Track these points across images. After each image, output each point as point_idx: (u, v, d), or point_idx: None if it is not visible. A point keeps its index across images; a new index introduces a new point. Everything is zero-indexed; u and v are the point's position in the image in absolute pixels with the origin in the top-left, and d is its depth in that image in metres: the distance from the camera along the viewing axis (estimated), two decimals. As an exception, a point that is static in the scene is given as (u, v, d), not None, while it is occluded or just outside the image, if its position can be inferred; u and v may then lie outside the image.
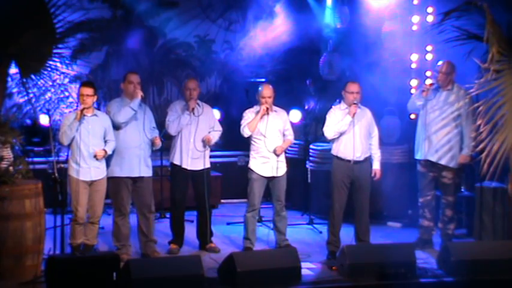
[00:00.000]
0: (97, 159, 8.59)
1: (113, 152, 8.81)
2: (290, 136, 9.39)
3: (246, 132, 9.18)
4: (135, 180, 8.92)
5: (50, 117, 8.87)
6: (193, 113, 9.21)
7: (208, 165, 9.38)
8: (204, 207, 9.32)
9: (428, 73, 10.61)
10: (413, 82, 10.95)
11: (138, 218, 9.01)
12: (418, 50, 10.89)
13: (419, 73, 10.83)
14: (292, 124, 9.58)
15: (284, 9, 12.41)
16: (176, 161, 9.28)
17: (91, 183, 8.64)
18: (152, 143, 8.96)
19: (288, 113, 9.70)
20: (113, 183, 8.89)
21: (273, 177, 9.24)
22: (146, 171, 8.95)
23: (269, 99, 9.17)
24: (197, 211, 9.49)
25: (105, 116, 8.82)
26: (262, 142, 9.18)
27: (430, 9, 10.79)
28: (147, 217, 9.00)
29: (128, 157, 8.85)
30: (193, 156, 9.24)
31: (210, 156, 9.50)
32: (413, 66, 10.97)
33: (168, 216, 9.83)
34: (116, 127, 8.83)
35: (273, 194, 9.33)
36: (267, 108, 9.12)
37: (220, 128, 9.50)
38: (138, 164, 8.88)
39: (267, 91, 9.20)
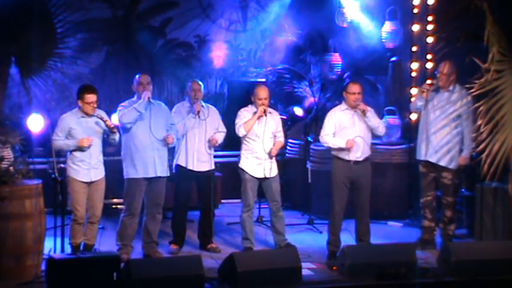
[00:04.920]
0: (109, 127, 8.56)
1: (127, 154, 8.83)
2: (281, 138, 9.40)
3: (241, 132, 9.18)
4: (150, 180, 8.91)
5: (48, 117, 8.86)
6: (199, 116, 9.21)
7: (213, 167, 9.41)
8: (208, 208, 9.33)
9: (428, 81, 10.58)
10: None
11: (146, 218, 9.00)
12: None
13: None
14: (296, 119, 9.57)
15: (290, 11, 12.41)
16: (182, 163, 9.28)
17: (90, 184, 8.63)
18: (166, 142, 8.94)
19: (291, 110, 9.70)
20: (128, 183, 8.88)
21: (265, 178, 9.24)
22: (162, 171, 8.91)
23: (265, 100, 9.16)
24: (200, 211, 9.49)
25: (103, 114, 8.79)
26: (257, 144, 9.18)
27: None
28: (155, 217, 8.98)
29: (141, 158, 8.82)
30: (200, 159, 9.24)
31: (212, 157, 9.53)
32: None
33: (169, 216, 9.82)
34: (124, 129, 8.82)
35: (268, 196, 9.33)
36: (265, 110, 9.12)
37: (225, 129, 9.48)
38: (153, 164, 8.85)
39: (263, 92, 9.19)
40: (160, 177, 8.91)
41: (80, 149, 8.50)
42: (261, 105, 9.14)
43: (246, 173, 9.24)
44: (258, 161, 9.20)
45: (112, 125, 8.59)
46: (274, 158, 9.30)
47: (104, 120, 8.55)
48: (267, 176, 9.23)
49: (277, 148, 9.32)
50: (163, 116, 9.02)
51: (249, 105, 9.31)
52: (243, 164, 9.27)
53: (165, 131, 8.95)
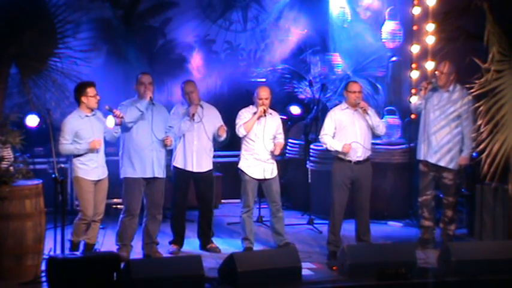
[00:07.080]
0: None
1: (126, 153, 8.86)
2: (281, 139, 9.40)
3: (241, 132, 9.19)
4: (148, 181, 8.91)
5: (49, 116, 8.85)
6: (193, 119, 9.17)
7: (211, 167, 9.40)
8: (206, 208, 9.34)
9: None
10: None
11: (147, 219, 9.00)
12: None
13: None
14: (295, 119, 9.56)
15: (290, 11, 12.41)
16: (179, 164, 9.28)
17: (97, 183, 8.63)
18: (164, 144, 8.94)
19: (288, 109, 9.70)
20: (126, 183, 8.89)
21: (265, 180, 9.24)
22: (159, 173, 8.92)
23: (266, 100, 9.16)
24: (199, 211, 9.49)
25: (100, 112, 8.81)
26: (257, 144, 9.19)
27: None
28: (156, 218, 9.00)
29: (140, 158, 8.83)
30: (200, 160, 9.21)
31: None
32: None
33: (168, 216, 9.83)
34: (124, 128, 8.81)
35: (268, 197, 9.35)
36: (265, 110, 9.12)
37: (225, 128, 9.46)
38: (151, 165, 8.86)
39: (264, 92, 9.20)
40: (157, 178, 8.91)
41: (91, 151, 8.51)
42: (261, 105, 9.14)
43: (246, 174, 9.24)
44: (257, 162, 9.21)
45: (121, 115, 8.60)
46: (273, 159, 9.30)
47: (112, 111, 8.57)
48: (267, 177, 9.23)
49: (280, 148, 9.30)
50: (164, 118, 9.03)
51: (250, 106, 9.32)
52: (242, 165, 9.27)
53: (164, 133, 8.96)
